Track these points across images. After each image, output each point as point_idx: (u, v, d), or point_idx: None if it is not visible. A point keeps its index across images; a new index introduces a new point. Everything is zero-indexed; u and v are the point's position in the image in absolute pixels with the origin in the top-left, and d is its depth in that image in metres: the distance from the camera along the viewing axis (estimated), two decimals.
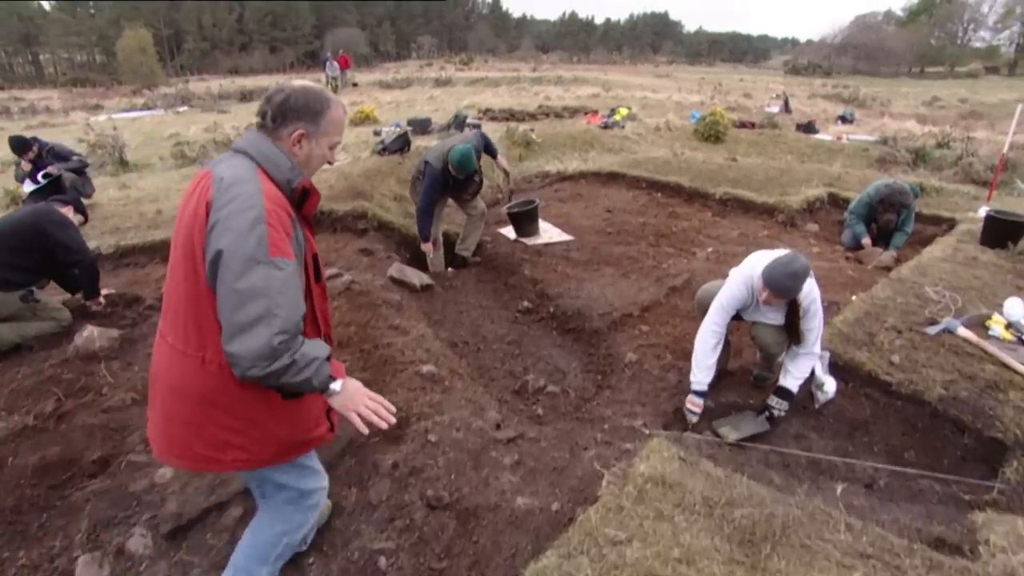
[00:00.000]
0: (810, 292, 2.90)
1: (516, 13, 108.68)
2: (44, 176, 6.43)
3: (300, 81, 1.69)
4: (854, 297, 4.31)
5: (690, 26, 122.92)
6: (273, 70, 48.71)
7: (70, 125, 15.65)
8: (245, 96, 22.56)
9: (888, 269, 5.11)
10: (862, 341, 3.52)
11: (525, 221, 6.04)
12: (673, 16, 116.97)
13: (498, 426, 2.90)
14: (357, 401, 1.60)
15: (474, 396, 3.17)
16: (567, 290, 4.78)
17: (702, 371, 3.09)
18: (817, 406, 3.18)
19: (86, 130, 11.25)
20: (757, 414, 3.10)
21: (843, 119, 13.83)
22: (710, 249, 5.71)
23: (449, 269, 5.58)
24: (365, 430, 1.61)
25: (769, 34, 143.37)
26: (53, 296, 3.95)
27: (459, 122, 11.54)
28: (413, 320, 4.04)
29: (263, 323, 1.41)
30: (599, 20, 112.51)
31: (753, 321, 3.17)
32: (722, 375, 3.45)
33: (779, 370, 3.39)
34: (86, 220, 5.20)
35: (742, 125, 11.79)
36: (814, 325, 2.95)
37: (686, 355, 3.69)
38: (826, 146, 10.68)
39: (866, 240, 5.74)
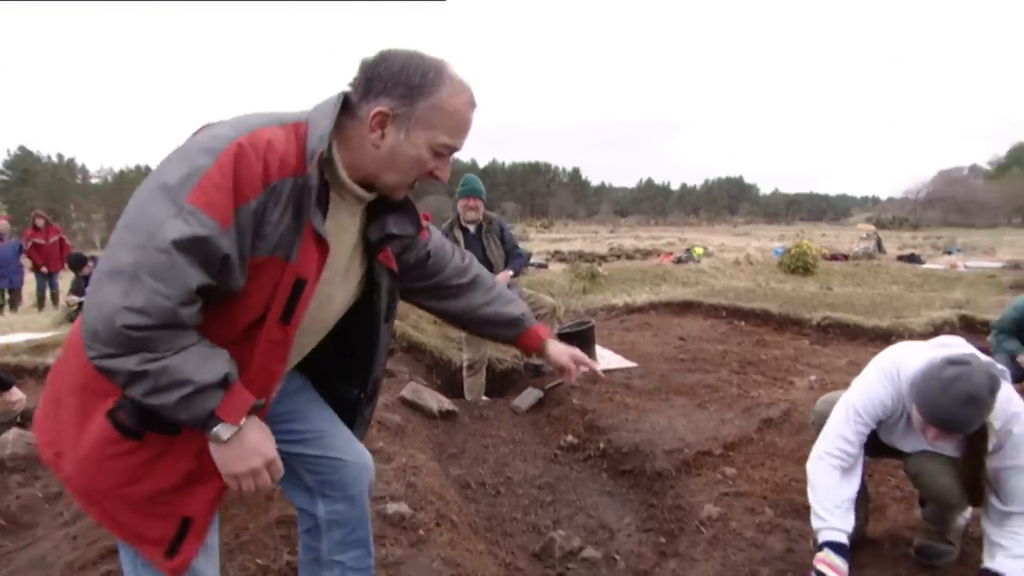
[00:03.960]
0: (1006, 405, 1.74)
1: (595, 181, 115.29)
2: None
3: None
4: None
5: (765, 189, 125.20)
6: None
7: None
8: None
9: None
10: None
11: (579, 344, 5.06)
12: (748, 179, 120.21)
13: None
14: (243, 467, 1.06)
15: (460, 556, 2.07)
16: (624, 422, 3.68)
17: (833, 511, 1.85)
18: None
19: None
20: None
21: (950, 253, 12.36)
22: (813, 377, 4.50)
23: (484, 398, 4.65)
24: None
25: (848, 193, 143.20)
26: None
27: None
28: (411, 449, 3.06)
29: (118, 283, 0.93)
30: (675, 186, 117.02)
31: (908, 452, 1.97)
32: (857, 545, 2.18)
33: (960, 538, 2.10)
34: None
35: (833, 258, 10.67)
36: None
37: (796, 510, 2.47)
38: (938, 275, 9.33)
39: (1023, 357, 4.30)
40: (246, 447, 1.04)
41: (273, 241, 1.03)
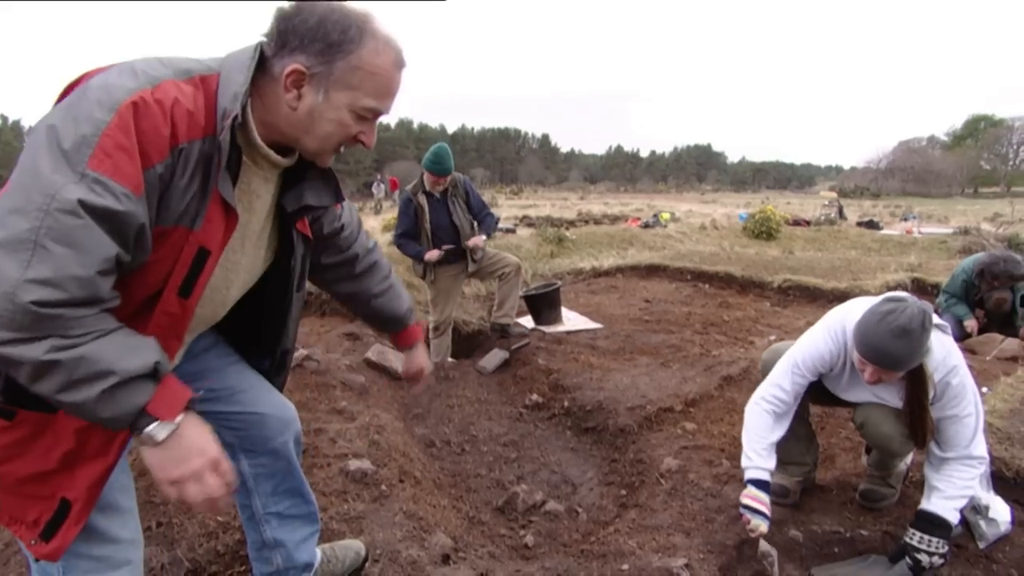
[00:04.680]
0: (945, 358, 1.80)
1: (565, 148, 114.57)
2: None
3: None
4: (985, 390, 3.10)
5: (733, 157, 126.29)
6: None
7: None
8: None
9: (1016, 359, 3.86)
10: None
11: (544, 306, 5.13)
12: (716, 148, 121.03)
13: (447, 558, 1.80)
14: (184, 470, 0.90)
15: (422, 510, 2.09)
16: (588, 381, 3.73)
17: (760, 452, 1.94)
18: (984, 545, 1.94)
19: None
20: (891, 560, 1.88)
21: (906, 220, 12.74)
22: (773, 337, 4.61)
23: (450, 359, 4.65)
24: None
25: (812, 162, 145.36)
26: None
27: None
28: (376, 409, 3.05)
29: (15, 253, 0.78)
30: (644, 153, 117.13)
31: (855, 402, 2.05)
32: (806, 491, 2.28)
33: (900, 482, 2.21)
34: None
35: (795, 223, 10.89)
36: (962, 411, 1.81)
37: None
38: (895, 240, 9.64)
39: (969, 323, 4.48)
40: (185, 447, 0.91)
41: (179, 209, 0.93)
